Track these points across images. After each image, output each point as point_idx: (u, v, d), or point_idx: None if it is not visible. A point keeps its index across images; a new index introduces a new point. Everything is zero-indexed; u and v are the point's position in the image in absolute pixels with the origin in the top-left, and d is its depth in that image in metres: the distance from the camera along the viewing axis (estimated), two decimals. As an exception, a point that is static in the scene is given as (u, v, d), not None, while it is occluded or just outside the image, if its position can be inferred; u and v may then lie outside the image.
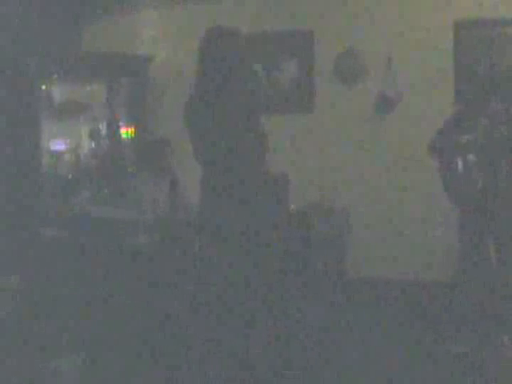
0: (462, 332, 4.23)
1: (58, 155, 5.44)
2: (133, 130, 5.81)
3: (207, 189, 3.51)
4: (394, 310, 4.97)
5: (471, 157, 4.22)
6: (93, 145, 5.65)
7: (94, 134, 5.65)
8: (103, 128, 5.70)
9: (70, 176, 5.38)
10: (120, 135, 5.75)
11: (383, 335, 4.48)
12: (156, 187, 4.86)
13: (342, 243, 4.62)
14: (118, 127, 5.76)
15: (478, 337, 4.08)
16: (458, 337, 4.22)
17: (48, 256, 4.52)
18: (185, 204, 4.65)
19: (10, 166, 5.19)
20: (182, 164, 4.81)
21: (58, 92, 5.51)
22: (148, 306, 4.09)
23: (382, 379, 3.80)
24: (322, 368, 3.91)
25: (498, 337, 4.05)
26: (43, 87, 5.37)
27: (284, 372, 3.63)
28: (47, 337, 4.10)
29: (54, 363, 3.83)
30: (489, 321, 4.09)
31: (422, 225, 5.30)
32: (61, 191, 5.22)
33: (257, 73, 5.66)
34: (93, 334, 4.07)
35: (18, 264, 4.74)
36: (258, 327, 3.46)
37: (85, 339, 4.05)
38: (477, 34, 5.17)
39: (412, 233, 5.33)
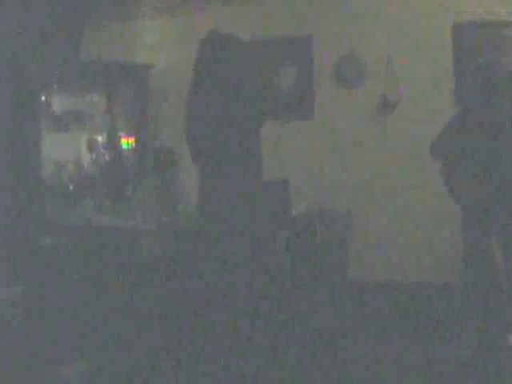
0: (466, 333, 4.20)
1: (59, 165, 5.43)
2: (133, 139, 5.81)
3: (203, 191, 3.52)
4: (397, 312, 4.94)
5: (475, 158, 4.21)
6: (93, 154, 5.64)
7: (94, 144, 5.65)
8: (104, 137, 5.70)
9: (71, 186, 5.36)
10: (120, 144, 5.74)
11: (387, 338, 4.45)
12: (158, 196, 4.84)
13: (345, 246, 4.61)
14: (119, 136, 5.76)
15: (482, 338, 4.05)
16: (462, 338, 4.20)
17: (50, 265, 4.52)
18: (187, 209, 4.64)
19: (11, 176, 5.18)
20: (184, 171, 4.81)
21: (58, 102, 5.50)
22: (152, 313, 4.08)
23: (384, 382, 3.78)
24: (323, 370, 3.89)
25: (503, 337, 4.02)
26: (43, 97, 5.36)
27: (287, 373, 3.63)
28: (51, 344, 4.09)
29: (58, 370, 3.83)
30: (494, 321, 4.06)
31: (425, 227, 5.27)
32: (63, 201, 5.21)
33: (255, 78, 5.65)
34: (96, 341, 4.06)
35: (20, 273, 4.72)
36: (259, 328, 3.45)
37: (88, 347, 4.03)
38: (476, 36, 5.16)
39: (415, 235, 5.30)
